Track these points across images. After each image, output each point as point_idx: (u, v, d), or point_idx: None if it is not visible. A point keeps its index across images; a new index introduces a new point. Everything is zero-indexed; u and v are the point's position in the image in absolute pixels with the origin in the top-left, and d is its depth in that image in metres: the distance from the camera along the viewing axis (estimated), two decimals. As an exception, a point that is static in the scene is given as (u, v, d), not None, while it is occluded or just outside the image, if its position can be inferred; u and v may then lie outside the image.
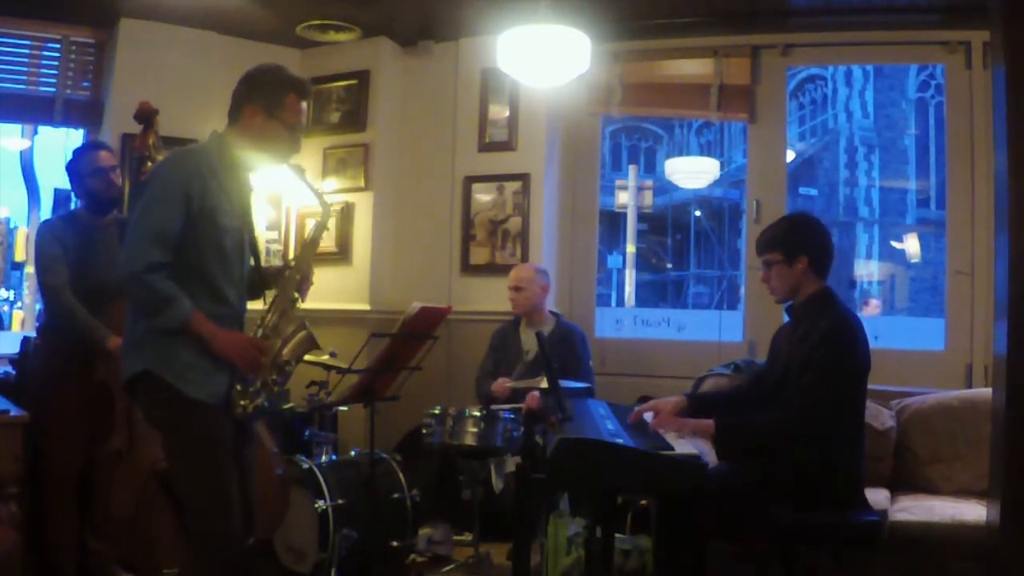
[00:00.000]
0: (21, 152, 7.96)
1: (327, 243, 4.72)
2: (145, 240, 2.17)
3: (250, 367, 2.27)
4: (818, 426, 2.43)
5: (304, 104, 2.38)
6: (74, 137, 4.96)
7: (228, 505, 2.22)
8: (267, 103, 2.32)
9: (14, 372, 3.49)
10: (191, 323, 2.19)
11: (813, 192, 19.75)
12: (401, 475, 3.59)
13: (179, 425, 2.24)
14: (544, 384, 2.85)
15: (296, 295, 2.41)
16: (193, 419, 2.22)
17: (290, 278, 2.41)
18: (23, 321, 9.43)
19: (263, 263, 2.54)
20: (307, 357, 3.62)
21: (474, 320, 4.46)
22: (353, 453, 3.78)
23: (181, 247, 2.21)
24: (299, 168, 2.45)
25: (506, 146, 4.59)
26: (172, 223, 2.19)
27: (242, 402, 2.26)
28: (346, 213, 4.70)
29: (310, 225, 4.75)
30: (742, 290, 5.30)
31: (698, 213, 20.80)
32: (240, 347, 2.25)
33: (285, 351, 2.36)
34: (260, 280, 2.49)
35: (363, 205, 4.70)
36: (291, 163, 2.43)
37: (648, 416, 2.67)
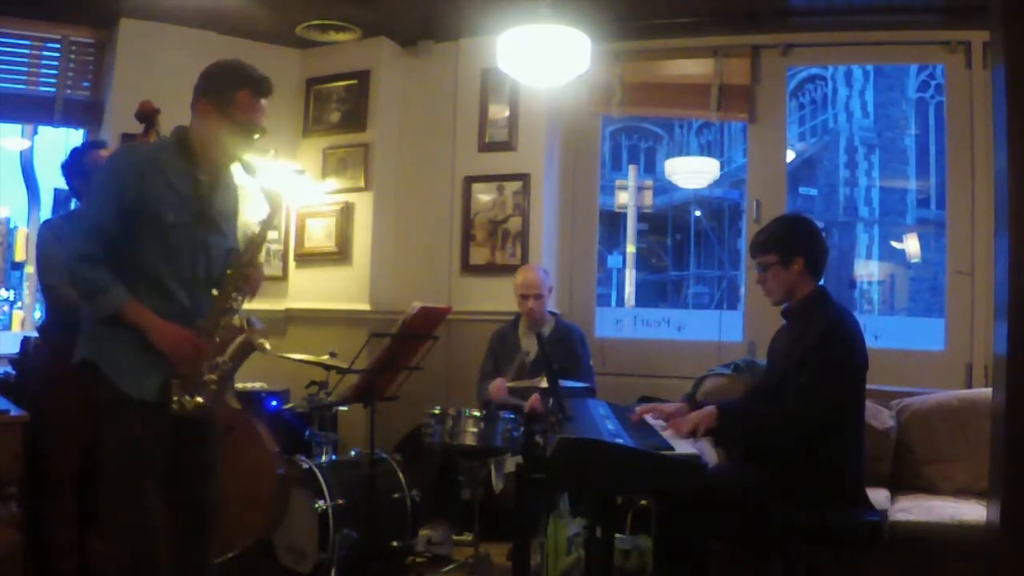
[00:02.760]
0: (21, 152, 7.95)
1: (327, 243, 4.73)
2: (78, 233, 2.23)
3: (182, 361, 2.23)
4: (817, 426, 2.43)
5: (261, 101, 2.33)
6: (74, 137, 4.95)
7: (140, 501, 2.22)
8: (218, 99, 2.29)
9: (14, 372, 3.48)
10: (125, 311, 2.18)
11: (813, 192, 19.77)
12: (401, 475, 3.59)
13: (108, 417, 2.25)
14: (544, 384, 2.84)
15: (237, 294, 2.34)
16: (121, 414, 2.22)
17: (232, 276, 2.34)
18: (23, 321, 9.42)
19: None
20: (307, 357, 3.65)
21: (474, 320, 4.46)
22: (353, 453, 3.77)
23: (122, 242, 2.22)
24: (251, 166, 2.38)
25: (506, 146, 4.59)
26: (105, 216, 2.21)
27: (176, 398, 2.23)
28: (346, 213, 4.70)
29: (311, 226, 4.78)
30: (742, 290, 5.30)
31: (698, 213, 20.84)
32: (174, 340, 2.22)
33: (227, 352, 2.31)
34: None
35: (363, 205, 4.70)
36: (245, 160, 2.37)
37: (650, 418, 2.67)
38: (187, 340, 2.24)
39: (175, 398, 2.23)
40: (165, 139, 2.37)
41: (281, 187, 4.73)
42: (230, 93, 2.29)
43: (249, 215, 2.55)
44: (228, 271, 2.35)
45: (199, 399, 2.25)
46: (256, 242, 2.38)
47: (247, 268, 2.35)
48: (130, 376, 2.22)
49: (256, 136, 2.35)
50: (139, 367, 2.22)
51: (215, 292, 2.34)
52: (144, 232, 2.24)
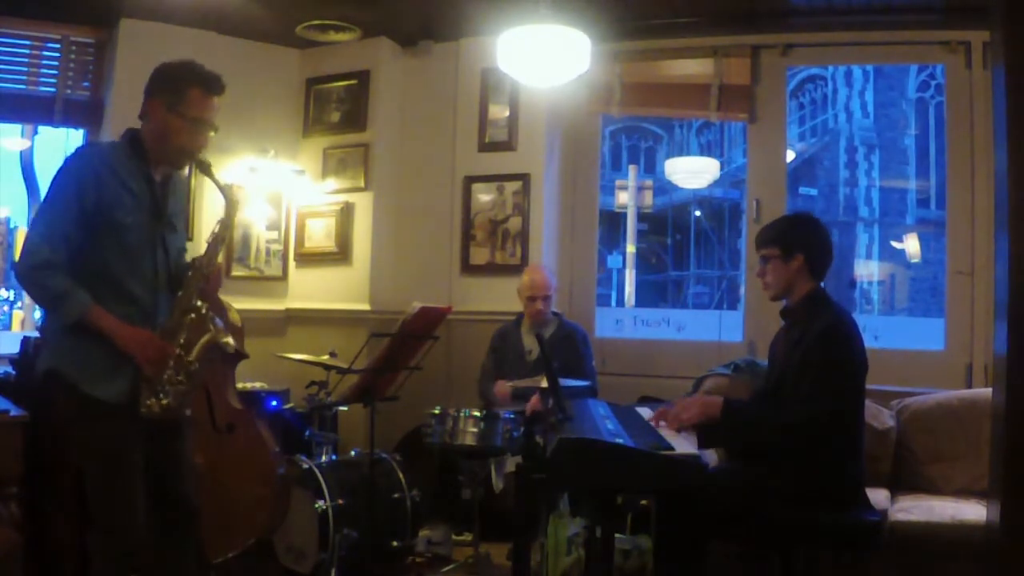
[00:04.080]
0: (21, 152, 7.95)
1: (327, 243, 4.73)
2: (35, 239, 2.20)
3: (150, 364, 2.22)
4: (817, 427, 2.43)
5: (213, 99, 2.33)
6: (74, 137, 4.95)
7: (128, 504, 2.23)
8: (169, 98, 2.28)
9: (14, 372, 3.48)
10: (89, 317, 2.17)
11: (813, 192, 19.74)
12: (401, 475, 3.60)
13: (83, 425, 2.25)
14: (545, 384, 2.85)
15: (198, 294, 2.33)
16: (92, 420, 2.22)
17: (193, 278, 2.34)
18: (23, 321, 9.42)
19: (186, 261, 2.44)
20: (307, 357, 3.65)
21: (474, 320, 4.46)
22: (353, 453, 3.78)
23: (84, 248, 2.20)
24: (206, 164, 2.38)
25: (506, 146, 4.59)
26: (63, 223, 2.19)
27: (148, 401, 2.22)
28: (346, 213, 4.70)
29: (311, 226, 4.78)
30: (742, 290, 5.30)
31: (698, 213, 20.82)
32: (140, 343, 2.21)
33: (193, 353, 2.30)
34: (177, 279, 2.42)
35: (363, 205, 4.70)
36: (199, 157, 2.37)
37: (647, 415, 2.67)
38: (152, 342, 2.23)
39: (147, 402, 2.22)
40: (118, 141, 2.35)
41: (281, 186, 4.74)
42: (181, 91, 2.28)
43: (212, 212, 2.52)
44: (190, 272, 2.35)
45: (167, 400, 2.25)
46: (217, 241, 2.38)
47: (207, 268, 2.35)
48: (99, 380, 2.21)
49: (211, 134, 2.35)
50: (107, 371, 2.21)
51: (179, 293, 2.33)
52: (102, 235, 2.22)
